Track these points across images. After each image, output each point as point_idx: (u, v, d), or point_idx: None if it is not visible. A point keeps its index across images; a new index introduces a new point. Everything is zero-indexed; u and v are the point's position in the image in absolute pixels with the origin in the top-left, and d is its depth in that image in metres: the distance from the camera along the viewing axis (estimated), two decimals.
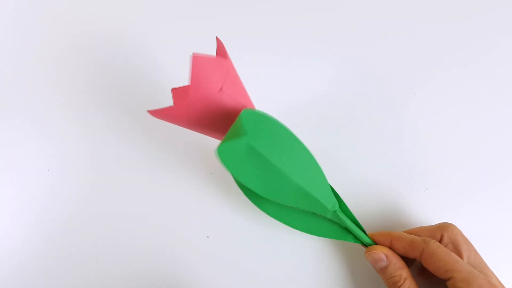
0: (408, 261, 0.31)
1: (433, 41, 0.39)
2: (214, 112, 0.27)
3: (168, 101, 0.30)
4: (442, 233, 0.29)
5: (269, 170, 0.28)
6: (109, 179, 0.35)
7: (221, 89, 0.26)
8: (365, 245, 0.30)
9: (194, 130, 0.29)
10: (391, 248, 0.29)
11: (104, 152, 0.36)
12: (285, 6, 0.41)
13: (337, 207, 0.30)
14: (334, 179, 0.34)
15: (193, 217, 0.34)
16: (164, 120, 0.28)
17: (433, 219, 0.34)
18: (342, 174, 0.35)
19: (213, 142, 0.32)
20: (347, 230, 0.31)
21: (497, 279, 0.28)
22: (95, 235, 0.34)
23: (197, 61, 0.25)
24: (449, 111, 0.37)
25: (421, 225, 0.34)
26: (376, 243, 0.30)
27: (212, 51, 0.29)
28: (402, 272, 0.28)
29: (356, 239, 0.31)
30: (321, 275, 0.33)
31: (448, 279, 0.26)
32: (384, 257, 0.29)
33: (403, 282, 0.27)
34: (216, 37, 0.29)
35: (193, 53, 0.25)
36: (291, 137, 0.28)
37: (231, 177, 0.31)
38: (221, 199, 0.35)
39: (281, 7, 0.41)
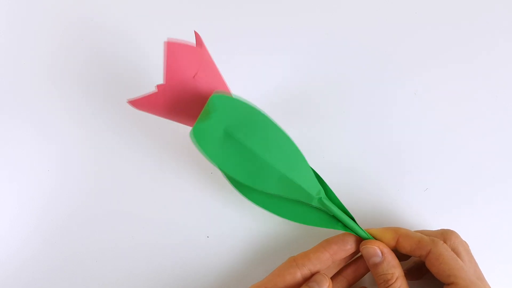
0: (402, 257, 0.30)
1: (433, 41, 0.39)
2: (190, 98, 0.27)
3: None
4: (445, 239, 0.28)
5: (249, 157, 0.27)
6: (109, 179, 0.35)
7: (195, 75, 0.26)
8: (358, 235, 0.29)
9: (174, 120, 0.30)
10: (397, 245, 0.29)
11: (104, 152, 0.36)
12: (285, 5, 0.41)
13: (322, 194, 0.29)
14: (333, 179, 0.34)
15: (193, 217, 0.34)
16: (144, 110, 0.28)
17: (432, 219, 0.34)
18: (342, 174, 0.35)
19: None
20: (336, 219, 0.30)
21: None
22: (95, 235, 0.34)
23: (171, 46, 0.25)
24: (449, 111, 0.37)
25: (421, 226, 0.34)
26: (371, 235, 0.29)
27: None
28: (395, 271, 0.28)
29: (346, 227, 0.29)
30: None
31: (449, 284, 0.26)
32: (380, 253, 0.28)
33: (395, 281, 0.27)
34: (194, 31, 0.29)
35: (168, 39, 0.25)
36: (269, 123, 0.28)
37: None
38: (221, 199, 0.35)
39: (281, 7, 0.41)
